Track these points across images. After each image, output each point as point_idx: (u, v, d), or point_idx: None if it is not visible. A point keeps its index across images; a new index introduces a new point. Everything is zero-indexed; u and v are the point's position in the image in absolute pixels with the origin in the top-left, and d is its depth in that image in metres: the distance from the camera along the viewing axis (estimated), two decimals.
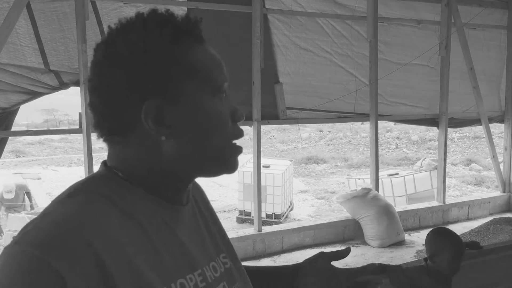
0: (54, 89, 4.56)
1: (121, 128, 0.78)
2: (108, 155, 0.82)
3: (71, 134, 13.93)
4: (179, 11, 4.90)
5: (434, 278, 2.22)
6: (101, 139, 0.81)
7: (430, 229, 2.43)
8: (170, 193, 0.82)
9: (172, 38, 0.77)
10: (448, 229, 2.50)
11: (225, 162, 0.83)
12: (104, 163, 0.82)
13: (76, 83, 4.58)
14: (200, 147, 0.79)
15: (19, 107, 4.55)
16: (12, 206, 7.44)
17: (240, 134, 0.84)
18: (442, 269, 2.20)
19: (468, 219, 6.72)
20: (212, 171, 0.83)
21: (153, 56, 0.75)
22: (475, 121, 6.99)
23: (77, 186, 0.77)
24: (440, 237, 2.29)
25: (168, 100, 0.76)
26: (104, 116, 0.78)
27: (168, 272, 0.75)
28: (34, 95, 4.49)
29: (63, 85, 4.54)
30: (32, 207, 7.81)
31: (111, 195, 0.75)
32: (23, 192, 7.67)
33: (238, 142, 0.85)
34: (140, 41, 0.75)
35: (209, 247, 0.89)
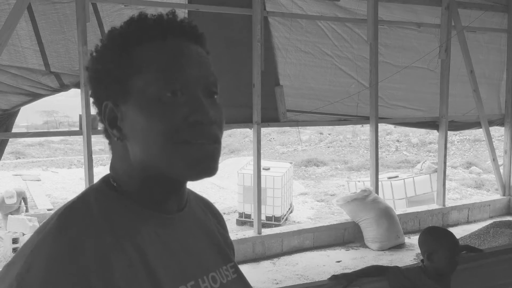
0: (54, 91, 4.56)
1: (104, 131, 0.81)
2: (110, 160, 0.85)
3: (71, 136, 13.94)
4: (180, 13, 4.91)
5: (433, 279, 2.22)
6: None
7: None
8: (157, 199, 0.81)
9: (120, 38, 0.78)
10: (440, 228, 2.50)
11: (186, 163, 0.76)
12: (104, 176, 0.84)
13: (77, 85, 4.58)
14: (148, 149, 0.76)
15: (20, 109, 4.55)
16: (9, 209, 7.46)
17: (200, 136, 0.75)
18: (441, 267, 2.21)
19: (468, 222, 6.71)
20: (178, 175, 0.78)
21: (102, 59, 0.78)
22: (475, 124, 6.99)
23: (67, 214, 0.75)
24: (434, 236, 2.30)
25: (117, 101, 0.77)
26: (98, 119, 0.82)
27: (160, 285, 0.74)
28: (35, 96, 4.49)
29: (63, 87, 4.55)
30: (27, 210, 7.85)
31: (100, 218, 0.75)
32: (21, 197, 7.70)
33: (224, 143, 0.81)
34: (99, 48, 0.80)
35: (210, 257, 0.87)
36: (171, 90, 0.75)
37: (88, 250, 0.70)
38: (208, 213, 0.96)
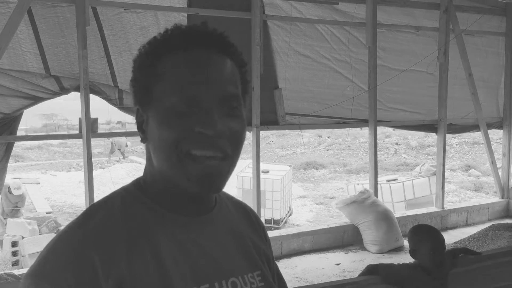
0: (54, 94, 4.57)
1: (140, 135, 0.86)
2: None
3: (70, 139, 13.94)
4: (180, 17, 4.93)
5: (428, 274, 2.24)
6: None
7: None
8: (175, 202, 0.83)
9: (149, 49, 0.82)
10: (425, 225, 2.55)
11: (190, 178, 0.77)
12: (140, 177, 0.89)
13: (76, 89, 4.59)
14: (159, 155, 0.79)
15: (23, 112, 4.56)
16: (16, 200, 7.48)
17: (204, 148, 0.75)
18: (426, 263, 2.23)
19: (467, 225, 6.72)
20: (181, 186, 0.79)
21: (135, 66, 0.83)
22: (474, 127, 7.00)
23: (90, 209, 0.82)
24: (416, 232, 2.34)
25: (144, 106, 0.82)
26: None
27: (171, 283, 0.76)
28: (35, 100, 4.49)
29: (63, 90, 4.56)
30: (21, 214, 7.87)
31: (118, 214, 0.80)
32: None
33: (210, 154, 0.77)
34: (137, 53, 0.84)
35: (235, 262, 0.86)
36: (184, 101, 0.76)
37: (101, 244, 0.74)
38: (244, 219, 0.96)
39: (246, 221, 0.96)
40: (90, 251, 0.73)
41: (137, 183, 0.86)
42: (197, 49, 0.79)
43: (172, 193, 0.82)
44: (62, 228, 0.83)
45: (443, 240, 2.28)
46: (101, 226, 0.77)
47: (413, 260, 2.34)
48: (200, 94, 0.76)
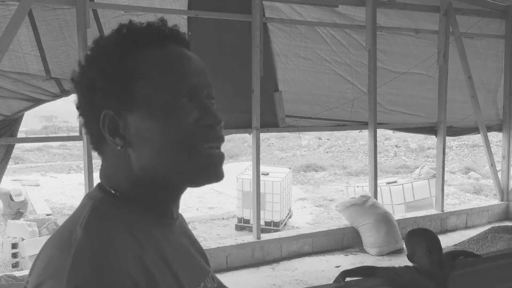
0: (55, 96, 4.58)
1: (95, 140, 0.79)
2: (100, 168, 0.83)
3: (70, 141, 13.93)
4: (180, 19, 4.94)
5: (427, 277, 2.25)
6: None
7: None
8: (161, 206, 0.81)
9: (119, 45, 0.76)
10: (419, 229, 2.58)
11: (196, 169, 0.77)
12: (98, 185, 0.82)
13: None
14: (159, 155, 0.75)
15: (23, 114, 4.56)
16: (17, 207, 7.49)
17: (208, 138, 0.77)
18: (424, 266, 2.25)
19: (467, 227, 6.72)
20: (186, 180, 0.79)
21: (101, 67, 0.76)
22: (473, 130, 7.01)
23: (92, 228, 0.73)
24: (411, 236, 2.37)
25: (120, 109, 0.76)
26: (85, 129, 0.81)
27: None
28: (36, 102, 4.50)
29: (64, 93, 4.57)
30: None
31: (121, 227, 0.74)
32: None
33: (223, 148, 0.81)
34: (94, 56, 0.78)
35: (198, 266, 0.88)
36: (183, 96, 0.76)
37: (129, 258, 0.69)
38: (184, 222, 0.96)
39: (185, 222, 0.98)
40: (126, 267, 0.68)
41: (108, 192, 0.79)
42: (174, 45, 0.79)
43: (156, 196, 0.80)
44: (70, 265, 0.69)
45: (437, 240, 2.30)
46: (119, 243, 0.71)
47: (412, 264, 2.35)
48: (195, 88, 0.78)
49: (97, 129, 0.77)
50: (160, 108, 0.75)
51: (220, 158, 0.79)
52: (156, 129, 0.75)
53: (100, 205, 0.77)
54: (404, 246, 5.64)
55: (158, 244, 0.76)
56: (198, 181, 0.79)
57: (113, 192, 0.79)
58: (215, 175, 0.79)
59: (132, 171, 0.78)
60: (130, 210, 0.77)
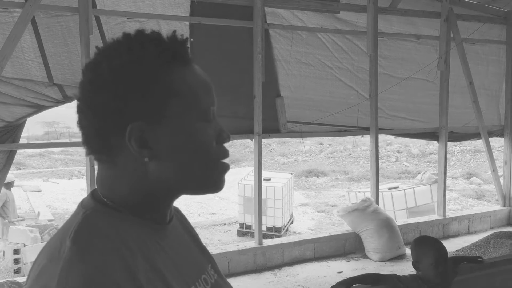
0: (58, 102, 4.59)
1: (107, 148, 0.79)
2: (97, 176, 0.83)
3: (72, 147, 13.95)
4: (182, 26, 4.97)
5: (430, 285, 2.24)
6: (92, 156, 0.84)
7: None
8: (154, 213, 0.83)
9: (155, 60, 0.76)
10: (428, 236, 2.55)
11: (209, 182, 0.83)
12: (92, 193, 0.83)
13: None
14: (183, 169, 0.79)
15: (25, 121, 4.58)
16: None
17: (224, 155, 0.84)
18: (429, 276, 2.24)
19: (469, 233, 6.71)
20: (197, 191, 0.85)
21: (136, 79, 0.75)
22: (475, 135, 7.01)
23: (83, 238, 0.73)
24: (419, 244, 2.35)
25: (151, 122, 0.76)
26: (91, 136, 0.80)
27: None
28: (38, 108, 4.52)
29: (66, 99, 4.59)
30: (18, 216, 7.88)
31: (112, 236, 0.75)
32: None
33: (226, 160, 0.86)
34: (123, 65, 0.75)
35: (199, 260, 0.93)
36: (211, 114, 0.82)
37: (118, 269, 0.70)
38: (181, 216, 1.00)
39: (183, 218, 1.01)
40: (116, 278, 0.69)
41: (101, 200, 0.80)
42: (191, 63, 0.82)
43: (152, 204, 0.81)
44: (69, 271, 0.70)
45: (446, 252, 2.29)
46: (108, 253, 0.71)
47: (415, 271, 2.34)
48: (213, 104, 0.83)
49: (116, 139, 0.77)
50: (190, 125, 0.79)
51: (226, 169, 0.85)
52: (185, 144, 0.79)
53: (91, 214, 0.78)
54: (407, 252, 5.67)
55: (149, 253, 0.77)
56: (205, 192, 0.85)
57: (105, 200, 0.80)
58: (219, 185, 0.84)
59: (146, 182, 0.79)
60: (122, 219, 0.78)
